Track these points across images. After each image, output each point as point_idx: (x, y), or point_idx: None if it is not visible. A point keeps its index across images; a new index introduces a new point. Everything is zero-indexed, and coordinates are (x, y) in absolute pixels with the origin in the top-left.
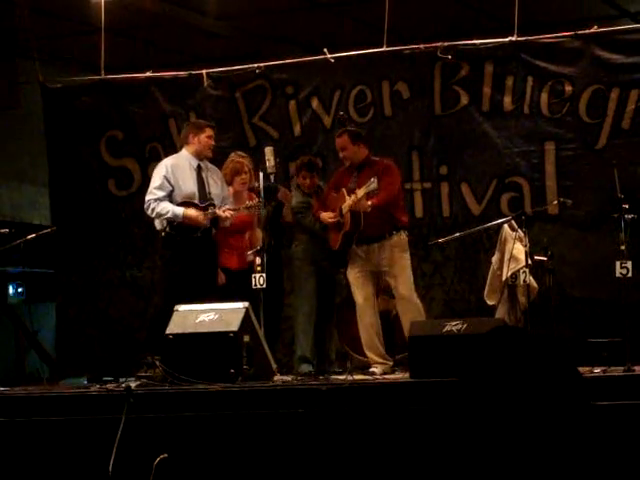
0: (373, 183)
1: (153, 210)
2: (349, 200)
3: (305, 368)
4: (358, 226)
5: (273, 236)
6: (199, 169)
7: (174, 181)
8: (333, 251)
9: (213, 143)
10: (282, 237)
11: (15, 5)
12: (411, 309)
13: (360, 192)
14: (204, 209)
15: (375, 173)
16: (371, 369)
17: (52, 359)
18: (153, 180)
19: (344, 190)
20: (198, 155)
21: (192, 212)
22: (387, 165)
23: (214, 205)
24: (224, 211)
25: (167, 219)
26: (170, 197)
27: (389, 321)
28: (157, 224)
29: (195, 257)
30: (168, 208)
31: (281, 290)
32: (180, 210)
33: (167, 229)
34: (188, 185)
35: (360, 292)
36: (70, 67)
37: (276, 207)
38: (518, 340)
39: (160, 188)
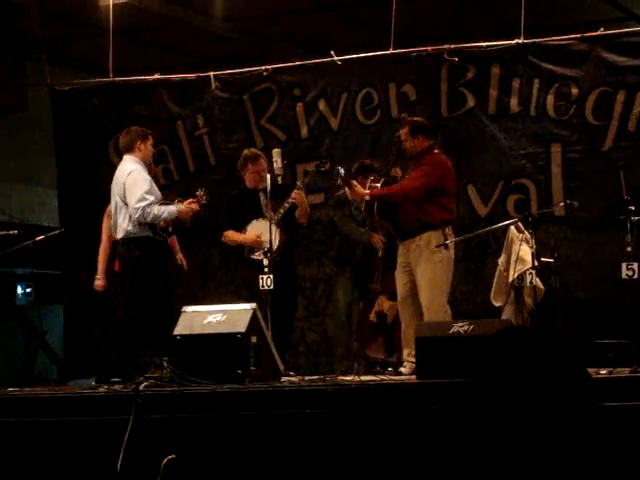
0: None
1: (150, 214)
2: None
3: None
4: (372, 217)
5: (287, 236)
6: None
7: (152, 186)
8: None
9: (154, 150)
10: (295, 237)
11: (24, 8)
12: (431, 317)
13: (369, 183)
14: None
15: (417, 165)
16: (400, 368)
17: (60, 360)
18: (139, 186)
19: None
20: (144, 161)
21: (183, 207)
22: (430, 160)
23: (180, 201)
24: (190, 202)
25: (162, 220)
26: None
27: (385, 323)
28: (131, 230)
29: (163, 259)
30: (162, 209)
31: (294, 291)
32: (173, 207)
33: (150, 234)
34: (157, 190)
35: (398, 290)
36: (78, 69)
37: (290, 209)
38: (526, 341)
39: (150, 192)
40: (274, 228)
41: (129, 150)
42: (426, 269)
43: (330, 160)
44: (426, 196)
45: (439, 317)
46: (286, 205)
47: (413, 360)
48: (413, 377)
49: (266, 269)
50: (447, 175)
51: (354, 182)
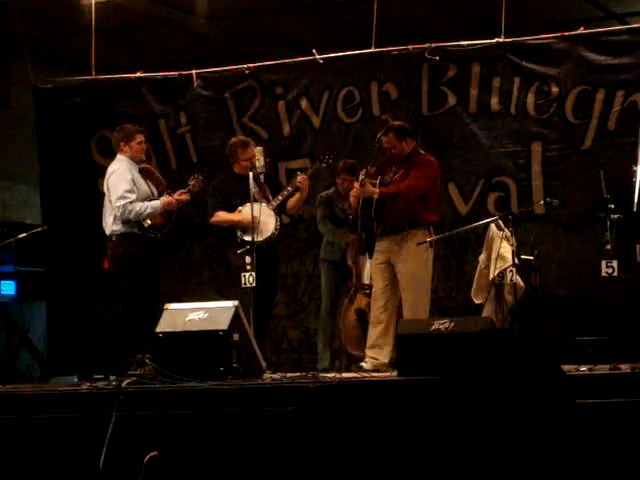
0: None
1: (131, 212)
2: (355, 184)
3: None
4: (370, 213)
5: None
6: (140, 172)
7: (136, 184)
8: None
9: (145, 147)
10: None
11: (6, 6)
12: (413, 315)
13: (360, 176)
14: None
15: (408, 165)
16: (361, 363)
17: (43, 357)
18: (119, 185)
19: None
20: (134, 160)
21: (166, 198)
22: (423, 160)
23: (170, 194)
24: (180, 194)
25: (145, 217)
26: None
27: (366, 320)
28: (117, 227)
29: (153, 257)
30: (145, 205)
31: (273, 288)
32: (156, 202)
33: (136, 231)
34: (143, 187)
35: (375, 285)
36: (61, 67)
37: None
38: (505, 341)
39: (131, 191)
40: (271, 212)
41: (116, 149)
42: (411, 267)
43: (334, 156)
44: (420, 196)
45: (421, 316)
46: (289, 189)
47: (374, 356)
48: (394, 374)
49: (248, 267)
50: (438, 176)
51: (367, 180)
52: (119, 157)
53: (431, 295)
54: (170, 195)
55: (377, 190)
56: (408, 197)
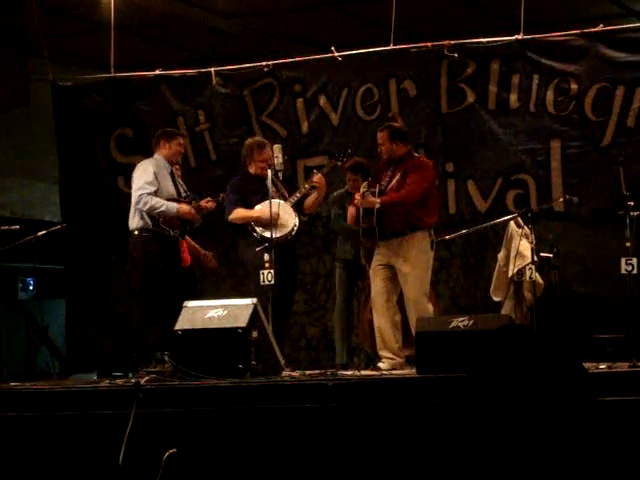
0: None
1: (146, 204)
2: (357, 195)
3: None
4: (371, 222)
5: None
6: (172, 173)
7: (160, 180)
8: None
9: (183, 151)
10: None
11: (25, 3)
12: (418, 312)
13: (362, 189)
14: (189, 203)
15: (404, 170)
16: (378, 364)
17: (62, 354)
18: (141, 176)
19: (363, 185)
20: (169, 160)
21: (185, 206)
22: (419, 164)
23: (195, 199)
24: (207, 202)
25: (158, 214)
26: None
27: None
28: (136, 222)
29: (172, 255)
30: (161, 201)
31: (293, 285)
32: (174, 204)
33: (151, 226)
34: (169, 186)
35: (374, 285)
36: (80, 65)
37: (304, 195)
38: (525, 338)
39: (151, 183)
40: (290, 209)
41: (155, 148)
42: (416, 266)
43: (350, 153)
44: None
45: (426, 310)
46: (306, 186)
47: (390, 356)
48: (413, 371)
49: (267, 264)
50: (435, 178)
51: (368, 193)
52: (155, 156)
53: (449, 292)
54: (197, 201)
55: (378, 200)
56: (408, 204)
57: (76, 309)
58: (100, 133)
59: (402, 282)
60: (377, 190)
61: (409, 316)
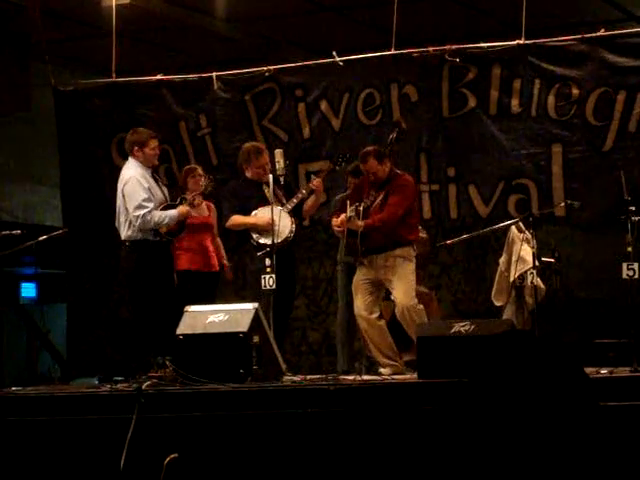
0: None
1: (150, 221)
2: (342, 217)
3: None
4: (355, 240)
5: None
6: (153, 176)
7: (152, 191)
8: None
9: (158, 153)
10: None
11: (27, 9)
12: (412, 315)
13: (349, 212)
14: (181, 204)
15: (388, 190)
16: (380, 370)
17: (63, 359)
18: (136, 194)
19: (348, 202)
20: (146, 165)
21: (183, 209)
22: (402, 183)
23: (184, 199)
24: (195, 196)
25: (164, 225)
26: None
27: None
28: (129, 232)
29: (164, 261)
30: (162, 215)
31: (292, 291)
32: (173, 212)
33: (150, 237)
34: (158, 193)
35: (357, 299)
36: (82, 70)
37: (301, 200)
38: (526, 343)
39: (149, 200)
40: (287, 215)
41: (129, 153)
42: (402, 274)
43: (348, 158)
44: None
45: (419, 312)
46: (303, 192)
47: (390, 363)
48: (414, 376)
49: (268, 269)
50: (416, 194)
51: (354, 217)
52: (131, 161)
53: (451, 297)
54: (185, 199)
55: (362, 224)
56: (390, 226)
57: (78, 314)
58: (101, 138)
59: (393, 291)
60: (361, 209)
61: (404, 322)
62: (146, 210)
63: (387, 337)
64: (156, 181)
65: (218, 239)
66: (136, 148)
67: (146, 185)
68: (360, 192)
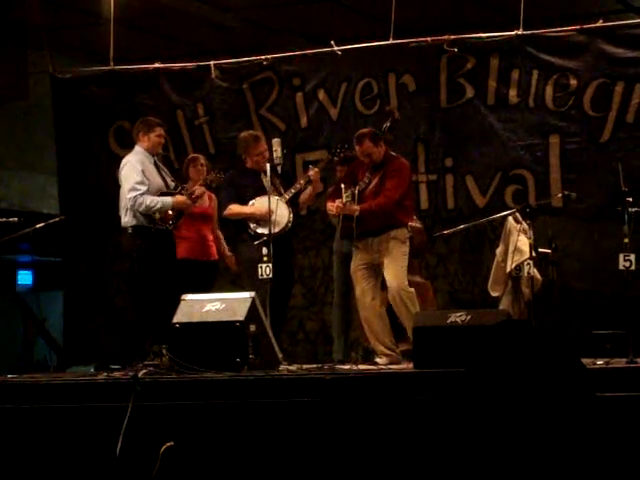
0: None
1: (141, 204)
2: (338, 202)
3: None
4: (351, 224)
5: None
6: (156, 164)
7: (147, 175)
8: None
9: (163, 141)
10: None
11: None
12: (402, 298)
13: (344, 198)
14: (180, 193)
15: (383, 173)
16: (376, 359)
17: (59, 347)
18: (131, 177)
19: (343, 187)
20: (150, 152)
21: (180, 198)
22: (398, 167)
23: (184, 187)
24: (194, 188)
25: (155, 211)
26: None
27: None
28: (128, 219)
29: (166, 249)
30: (156, 199)
31: (290, 280)
32: (169, 199)
33: (146, 224)
34: (156, 179)
35: (358, 286)
36: (79, 58)
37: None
38: (523, 333)
39: (142, 183)
40: (284, 205)
41: (135, 140)
42: (395, 256)
43: (346, 149)
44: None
45: (409, 294)
46: (302, 182)
47: (387, 352)
48: (410, 366)
49: (265, 258)
50: (410, 176)
51: (350, 201)
52: (136, 148)
53: (448, 287)
54: (186, 190)
55: (358, 208)
56: (387, 210)
57: (74, 301)
58: (99, 126)
59: (385, 273)
60: (356, 192)
61: (395, 305)
62: (138, 192)
63: (387, 325)
64: (158, 168)
65: (219, 231)
66: (142, 134)
67: (140, 168)
68: (353, 177)
